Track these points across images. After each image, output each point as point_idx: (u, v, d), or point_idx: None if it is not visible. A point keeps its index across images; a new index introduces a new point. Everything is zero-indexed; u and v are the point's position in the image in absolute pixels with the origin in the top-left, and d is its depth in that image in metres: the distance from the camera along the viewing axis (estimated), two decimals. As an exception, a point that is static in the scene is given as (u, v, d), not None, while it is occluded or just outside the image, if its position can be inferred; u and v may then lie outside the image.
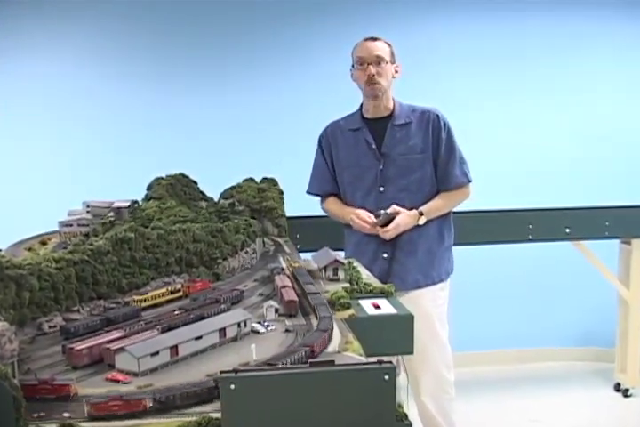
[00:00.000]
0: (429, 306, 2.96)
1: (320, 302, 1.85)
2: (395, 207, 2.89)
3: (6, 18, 4.27)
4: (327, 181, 3.16)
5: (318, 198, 3.25)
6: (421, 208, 2.94)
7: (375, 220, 2.88)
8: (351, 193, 3.08)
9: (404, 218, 2.90)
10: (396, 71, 2.96)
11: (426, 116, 2.96)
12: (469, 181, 3.04)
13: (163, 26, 4.41)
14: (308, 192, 3.23)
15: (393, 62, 2.94)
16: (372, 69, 2.86)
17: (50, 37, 4.36)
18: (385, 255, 2.99)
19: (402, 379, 2.52)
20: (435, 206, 2.98)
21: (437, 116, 2.97)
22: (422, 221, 2.93)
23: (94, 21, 4.33)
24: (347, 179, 3.08)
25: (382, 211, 2.87)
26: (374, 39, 2.91)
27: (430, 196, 2.99)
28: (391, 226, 2.86)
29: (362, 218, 2.91)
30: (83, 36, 4.35)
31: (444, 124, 2.96)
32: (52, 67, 4.35)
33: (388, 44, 2.94)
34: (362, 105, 3.07)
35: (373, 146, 2.97)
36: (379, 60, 2.87)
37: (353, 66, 2.96)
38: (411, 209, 2.93)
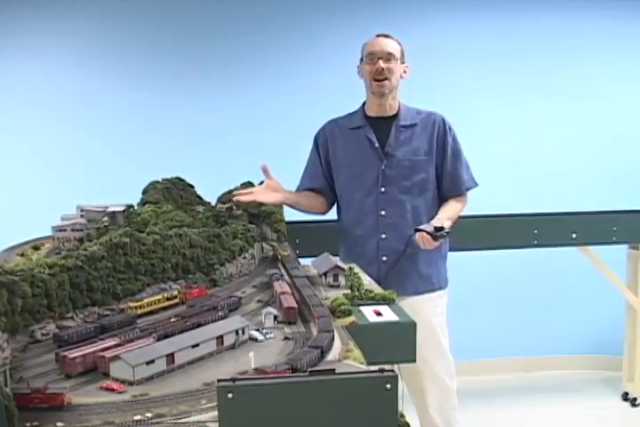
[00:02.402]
0: (430, 314, 2.91)
1: (320, 310, 1.82)
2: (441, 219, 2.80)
3: (5, 17, 4.27)
4: (318, 178, 3.09)
5: None
6: (441, 216, 2.85)
7: (433, 233, 2.71)
8: (349, 193, 3.02)
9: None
10: (405, 72, 2.93)
11: (431, 120, 2.94)
12: (477, 185, 3.03)
13: (161, 26, 4.41)
14: (297, 190, 3.18)
15: (402, 62, 2.91)
16: (382, 64, 2.82)
17: (47, 37, 4.36)
18: (384, 259, 2.94)
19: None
20: (453, 213, 2.92)
21: (443, 120, 2.95)
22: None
23: (92, 21, 4.33)
24: (344, 178, 3.03)
25: (439, 225, 2.72)
26: (386, 36, 2.89)
27: (431, 200, 2.96)
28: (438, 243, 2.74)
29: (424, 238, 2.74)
30: (80, 36, 4.35)
31: (450, 129, 2.95)
32: (49, 67, 4.35)
33: (399, 42, 2.91)
34: (364, 103, 3.04)
35: (376, 145, 2.93)
36: (389, 57, 2.83)
37: (362, 60, 2.92)
38: (412, 212, 2.90)
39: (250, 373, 1.44)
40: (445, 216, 2.86)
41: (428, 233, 2.71)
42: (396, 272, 2.92)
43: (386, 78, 2.85)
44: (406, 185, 2.92)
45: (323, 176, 3.10)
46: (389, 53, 2.83)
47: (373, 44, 2.87)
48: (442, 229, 2.71)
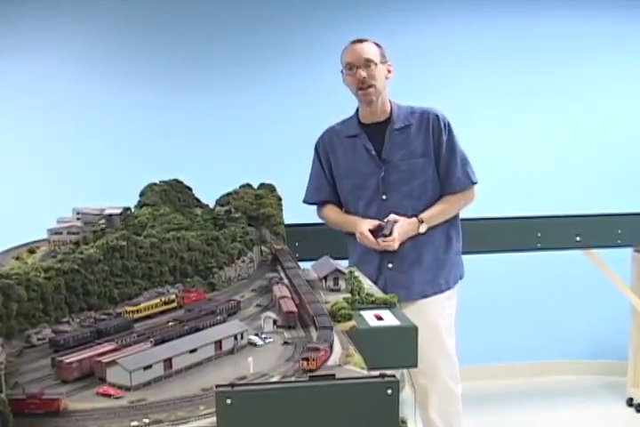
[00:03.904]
0: (437, 316, 2.90)
1: (320, 314, 1.80)
2: (393, 216, 2.82)
3: (5, 17, 4.26)
4: (324, 189, 3.10)
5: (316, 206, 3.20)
6: (421, 215, 2.87)
7: (383, 232, 2.78)
8: (353, 202, 3.01)
9: (404, 226, 2.82)
10: (389, 71, 2.89)
11: (425, 117, 2.90)
12: (473, 183, 2.96)
13: (161, 26, 4.40)
14: (304, 202, 3.17)
15: (384, 62, 2.86)
16: (363, 73, 2.79)
17: (48, 37, 4.35)
18: (390, 265, 2.92)
19: (406, 393, 2.47)
20: (436, 212, 2.91)
21: (437, 116, 2.90)
22: (423, 228, 2.86)
23: (92, 21, 4.31)
24: (347, 188, 3.02)
25: (385, 220, 2.79)
26: (361, 41, 2.83)
27: (433, 201, 2.93)
28: (394, 236, 2.76)
29: (367, 237, 2.80)
30: (80, 36, 4.34)
31: (445, 125, 2.90)
32: (49, 67, 4.33)
33: (377, 44, 2.86)
34: (358, 109, 3.01)
35: (373, 152, 2.91)
36: (368, 63, 2.79)
37: (342, 71, 2.89)
38: (412, 217, 2.87)
39: (249, 378, 1.43)
40: (425, 215, 2.87)
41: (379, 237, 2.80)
42: (403, 278, 2.91)
43: (370, 86, 2.82)
44: (407, 190, 2.90)
45: (328, 186, 3.09)
46: (367, 60, 2.79)
47: (350, 54, 2.83)
48: (382, 227, 2.77)
